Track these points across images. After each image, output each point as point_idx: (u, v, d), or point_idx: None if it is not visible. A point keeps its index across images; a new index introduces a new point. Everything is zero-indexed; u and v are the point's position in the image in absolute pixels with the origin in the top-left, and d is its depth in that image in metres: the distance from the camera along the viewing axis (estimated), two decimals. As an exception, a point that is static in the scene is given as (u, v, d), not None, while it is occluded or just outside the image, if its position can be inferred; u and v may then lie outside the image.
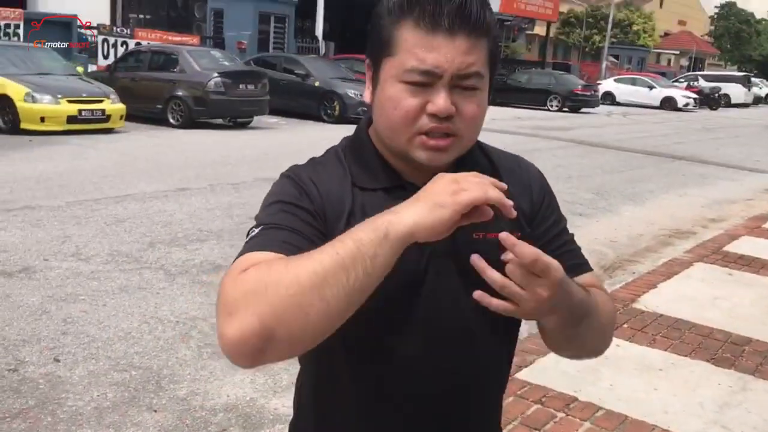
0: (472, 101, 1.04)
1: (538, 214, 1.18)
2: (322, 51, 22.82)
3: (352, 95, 16.15)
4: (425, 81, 1.01)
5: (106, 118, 12.06)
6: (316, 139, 13.08)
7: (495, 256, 0.94)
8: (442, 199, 0.90)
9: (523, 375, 3.68)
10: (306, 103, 16.52)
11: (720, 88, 34.76)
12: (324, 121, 16.20)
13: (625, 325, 4.48)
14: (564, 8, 45.85)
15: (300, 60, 17.92)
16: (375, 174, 1.11)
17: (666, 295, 5.15)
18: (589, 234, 7.12)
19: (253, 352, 0.87)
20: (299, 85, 16.68)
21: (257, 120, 15.00)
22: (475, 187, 0.91)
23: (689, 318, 4.67)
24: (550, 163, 11.88)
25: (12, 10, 17.43)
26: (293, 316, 0.86)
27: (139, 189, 7.75)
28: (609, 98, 30.96)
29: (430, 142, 1.03)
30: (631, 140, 16.54)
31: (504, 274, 0.93)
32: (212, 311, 4.43)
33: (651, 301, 4.96)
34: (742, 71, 48.52)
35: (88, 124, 11.76)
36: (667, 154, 14.33)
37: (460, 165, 1.09)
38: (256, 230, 1.02)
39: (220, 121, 14.47)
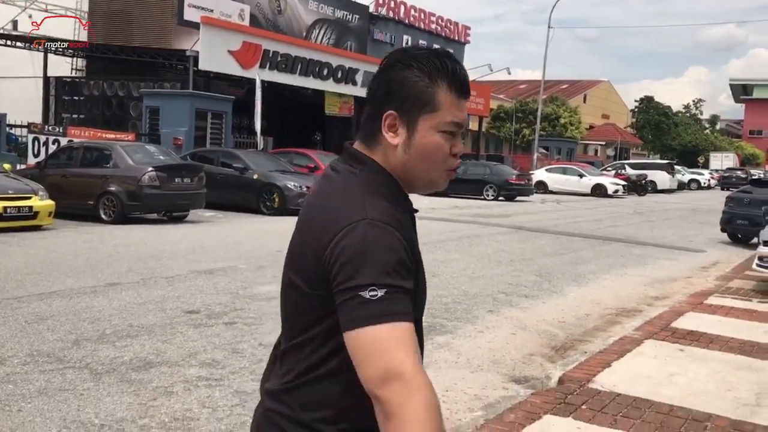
0: None
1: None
2: (261, 146, 22.85)
3: (292, 187, 16.05)
4: (455, 131, 1.40)
5: (34, 215, 11.56)
6: (255, 231, 12.83)
7: None
8: None
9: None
10: (244, 196, 16.31)
11: (646, 176, 36.21)
12: (263, 213, 15.98)
13: (584, 406, 4.29)
14: (494, 104, 47.70)
15: (238, 154, 17.83)
16: (404, 201, 1.42)
17: (621, 373, 5.00)
18: (536, 315, 7.00)
19: (372, 396, 1.19)
20: (237, 178, 16.52)
21: (193, 214, 14.66)
22: None
23: (647, 396, 4.51)
24: (492, 248, 11.90)
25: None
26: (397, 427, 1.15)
27: (65, 285, 7.29)
28: (542, 187, 31.80)
29: (451, 175, 1.45)
30: (567, 225, 16.84)
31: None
32: (142, 412, 4.04)
33: (607, 381, 4.80)
34: (664, 159, 50.92)
35: (13, 222, 11.23)
36: (604, 237, 14.59)
37: None
38: (381, 292, 1.21)
39: (154, 215, 14.08)
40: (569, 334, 6.36)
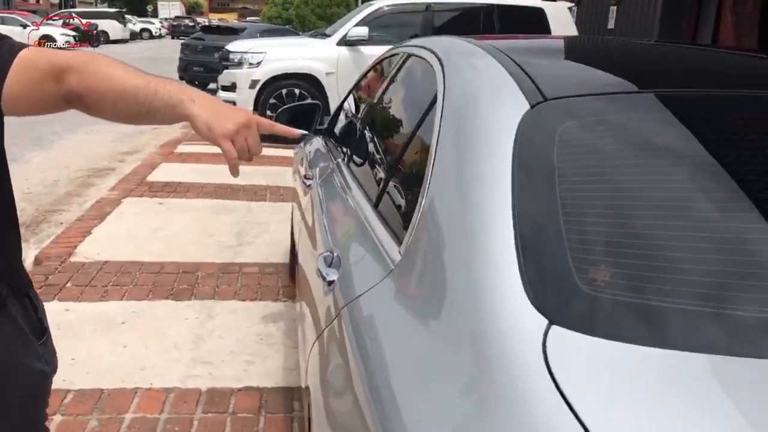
0: None
1: None
2: None
3: None
4: None
5: None
6: None
7: None
8: (225, 128, 1.21)
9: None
10: None
11: (97, 25, 34.57)
12: None
13: (69, 284, 3.87)
14: None
15: None
16: None
17: (104, 239, 4.67)
18: (-4, 190, 6.05)
19: (67, 97, 1.24)
20: None
21: None
22: (254, 145, 1.24)
23: (136, 258, 4.31)
24: None
25: None
26: (96, 98, 1.24)
27: None
28: (-21, 40, 27.68)
29: None
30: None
31: None
32: None
33: (91, 250, 4.42)
34: (113, 8, 49.23)
35: None
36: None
37: None
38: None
39: None
40: (39, 206, 5.69)
